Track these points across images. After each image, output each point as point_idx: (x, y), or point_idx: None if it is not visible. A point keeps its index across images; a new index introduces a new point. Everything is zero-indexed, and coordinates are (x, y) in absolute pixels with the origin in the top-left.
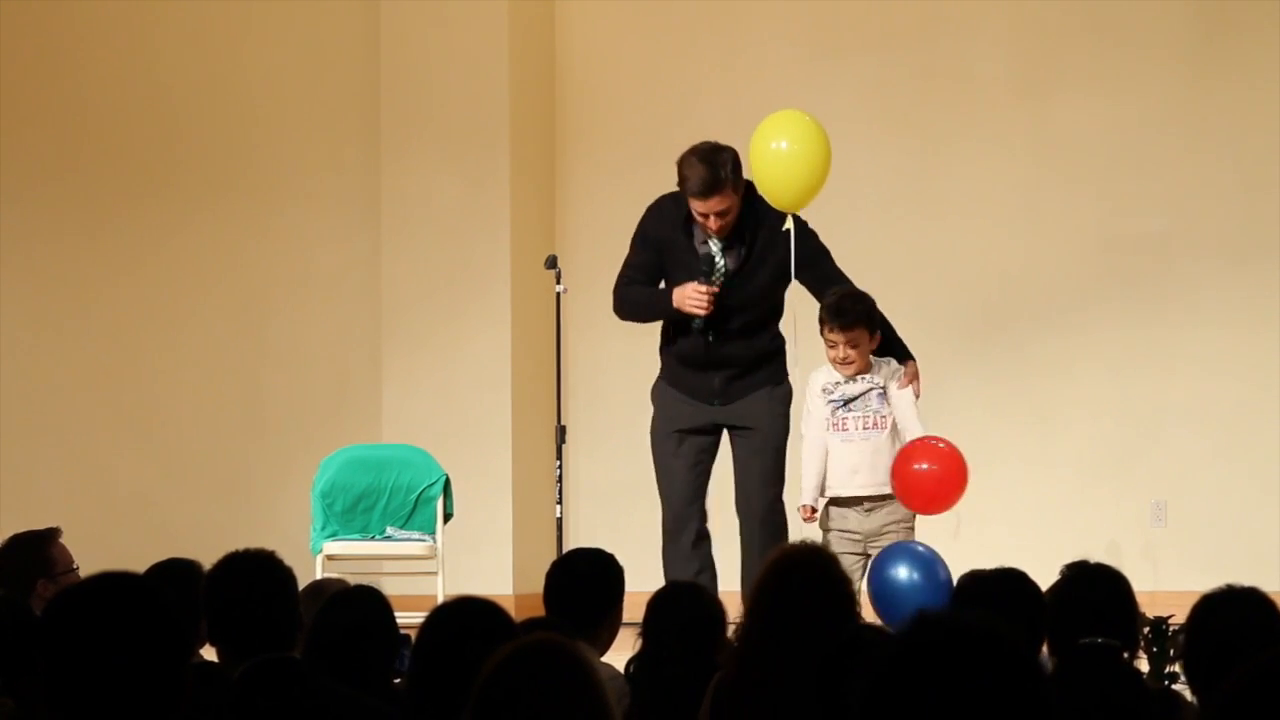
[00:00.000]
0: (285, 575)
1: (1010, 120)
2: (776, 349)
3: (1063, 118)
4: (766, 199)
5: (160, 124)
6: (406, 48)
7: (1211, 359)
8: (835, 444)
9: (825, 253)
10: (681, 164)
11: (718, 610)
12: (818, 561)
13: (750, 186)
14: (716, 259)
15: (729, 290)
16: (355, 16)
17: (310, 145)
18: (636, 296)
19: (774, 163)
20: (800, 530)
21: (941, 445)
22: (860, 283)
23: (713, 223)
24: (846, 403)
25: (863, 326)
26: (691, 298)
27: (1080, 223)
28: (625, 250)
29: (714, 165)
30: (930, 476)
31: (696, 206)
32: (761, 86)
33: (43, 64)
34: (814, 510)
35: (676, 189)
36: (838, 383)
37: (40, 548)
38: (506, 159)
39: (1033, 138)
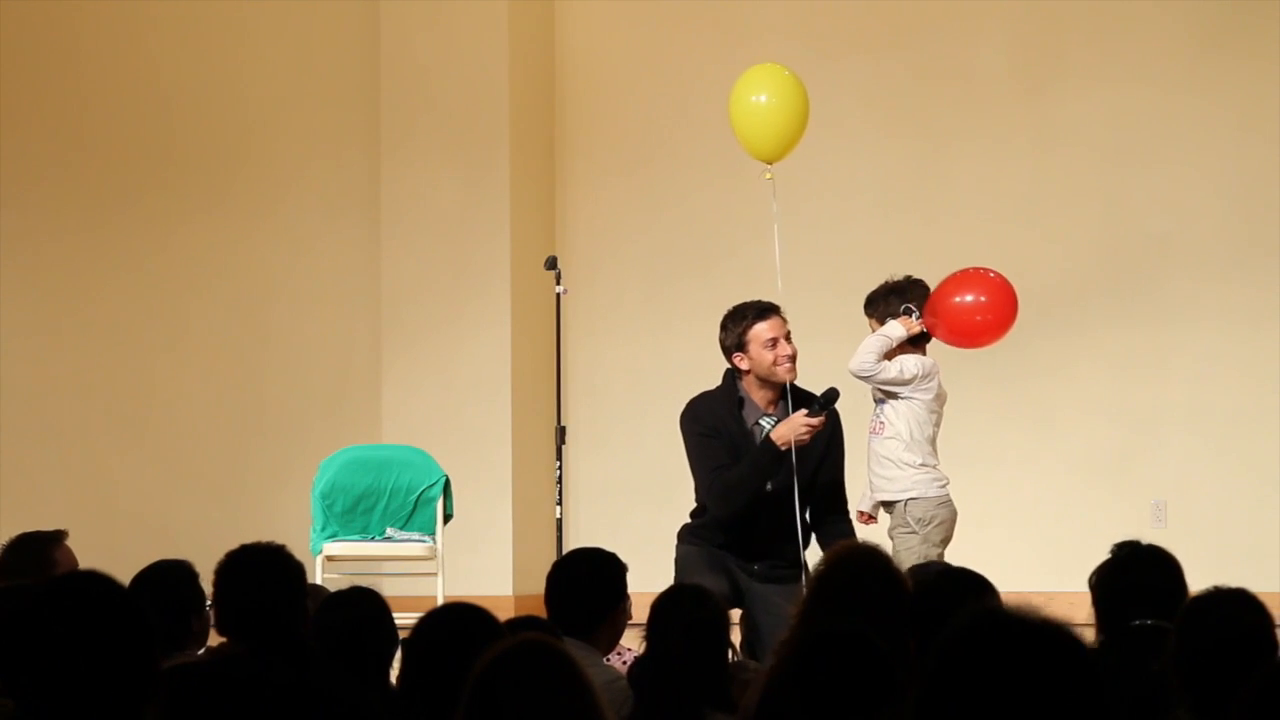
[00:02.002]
0: (295, 568)
1: (1010, 119)
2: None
3: (1063, 117)
4: (745, 150)
5: (160, 124)
6: (406, 48)
7: (1211, 359)
8: None
9: (842, 477)
10: (728, 320)
11: (722, 612)
12: (873, 557)
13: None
14: (767, 431)
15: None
16: (355, 16)
17: (310, 145)
18: (733, 476)
19: (753, 115)
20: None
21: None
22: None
23: (784, 348)
24: (876, 402)
25: (871, 317)
26: (803, 425)
27: (1081, 222)
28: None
29: (761, 300)
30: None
31: (765, 332)
32: None
33: (42, 64)
34: (867, 515)
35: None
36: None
37: (44, 549)
38: (506, 159)
39: (1033, 137)
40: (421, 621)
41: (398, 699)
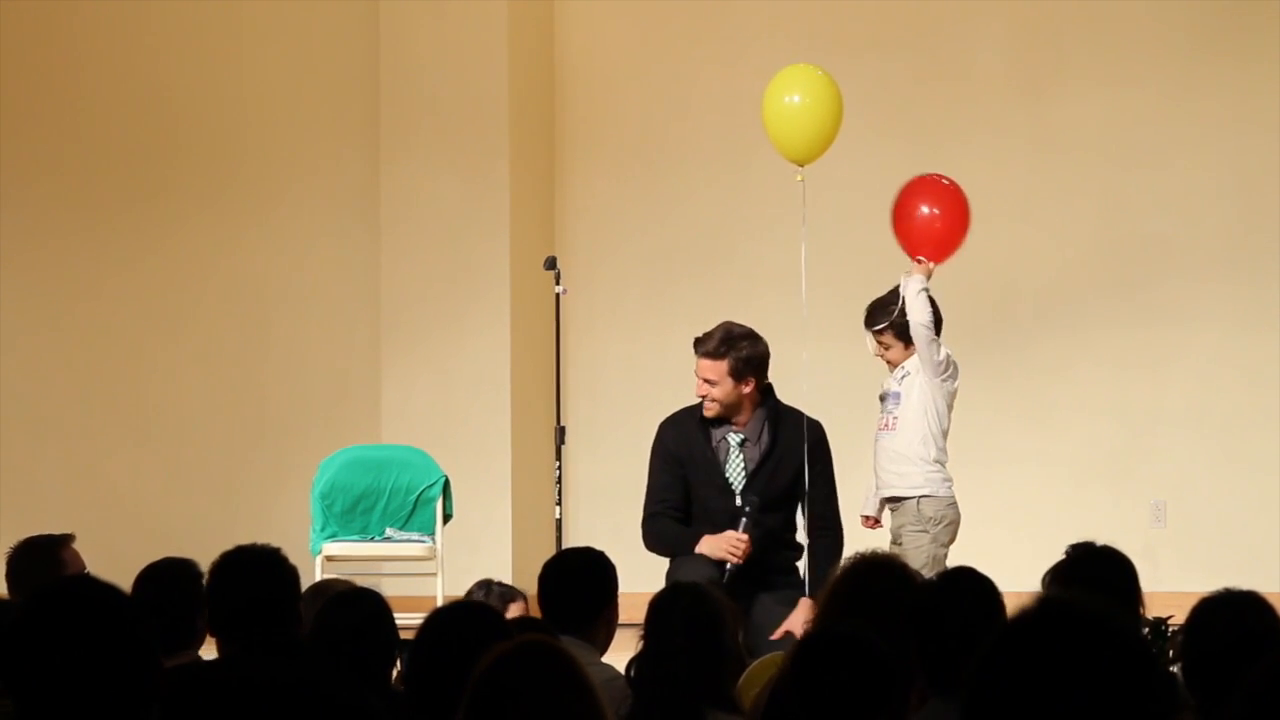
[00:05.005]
0: (290, 572)
1: (1010, 120)
2: (793, 568)
3: (1062, 117)
4: (778, 151)
5: (160, 124)
6: (406, 48)
7: (1211, 360)
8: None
9: (831, 491)
10: (705, 333)
11: (722, 609)
12: (890, 565)
13: (770, 390)
14: (732, 448)
15: (751, 487)
16: (355, 16)
17: (310, 145)
18: (664, 534)
19: (786, 116)
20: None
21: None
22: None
23: (700, 387)
24: (881, 399)
25: (885, 331)
26: (728, 546)
27: (1080, 222)
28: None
29: (728, 338)
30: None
31: (696, 367)
32: (761, 86)
33: (42, 64)
34: (872, 519)
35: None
36: (888, 379)
37: (52, 552)
38: (506, 159)
39: (1032, 137)
40: (429, 620)
41: (404, 698)
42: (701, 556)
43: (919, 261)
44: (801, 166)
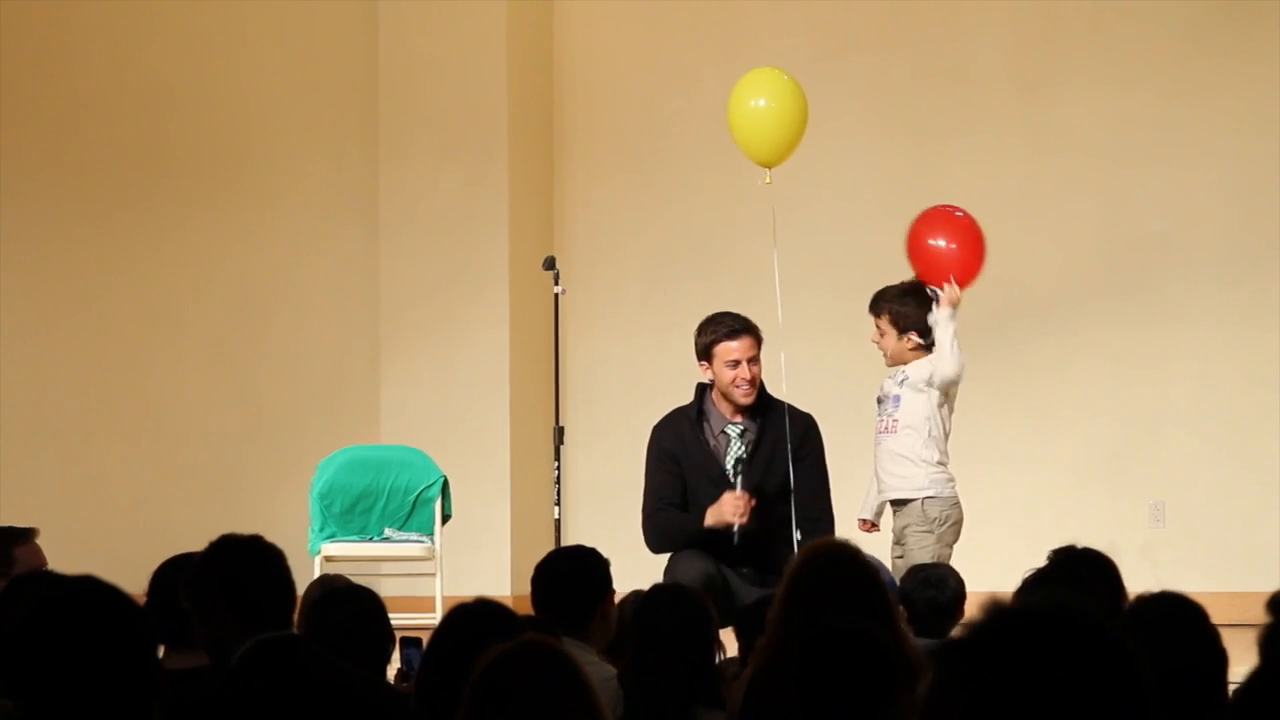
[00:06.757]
0: (277, 554)
1: (1009, 119)
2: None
3: (1062, 117)
4: (744, 154)
5: (158, 124)
6: (405, 48)
7: (1211, 359)
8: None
9: (822, 483)
10: (704, 325)
11: (705, 608)
12: (846, 553)
13: (762, 383)
14: (733, 440)
15: (746, 477)
16: (354, 16)
17: (308, 145)
18: (668, 524)
19: (752, 120)
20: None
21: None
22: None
23: (744, 371)
24: (879, 402)
25: (882, 316)
26: (730, 508)
27: (1080, 222)
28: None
29: (741, 316)
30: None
31: (730, 352)
32: None
33: (41, 63)
34: (869, 523)
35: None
36: (886, 381)
37: (5, 547)
38: (505, 159)
39: (1032, 137)
40: (446, 619)
41: (417, 694)
42: (697, 554)
43: (934, 295)
44: (769, 169)
